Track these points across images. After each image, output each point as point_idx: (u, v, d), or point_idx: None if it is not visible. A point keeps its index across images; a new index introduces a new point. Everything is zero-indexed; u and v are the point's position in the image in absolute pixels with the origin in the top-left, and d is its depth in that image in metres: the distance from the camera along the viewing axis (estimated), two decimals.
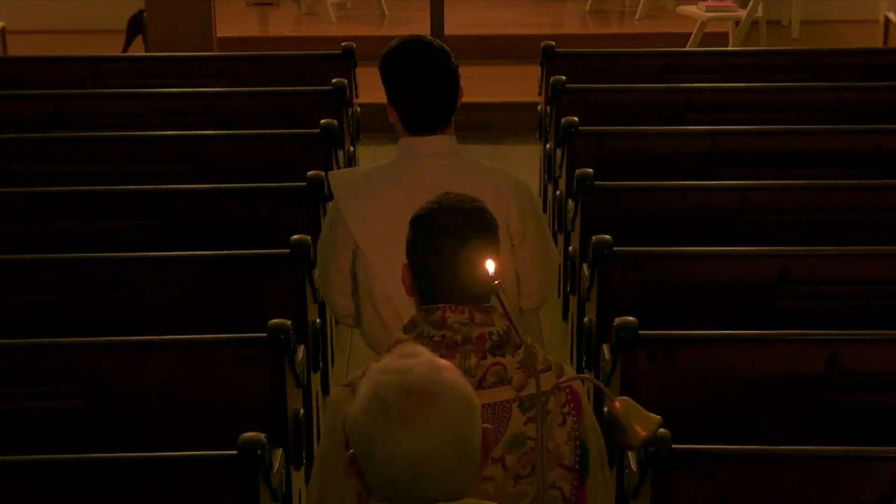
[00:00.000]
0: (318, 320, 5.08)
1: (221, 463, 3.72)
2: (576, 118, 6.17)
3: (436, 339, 2.90)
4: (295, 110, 6.67)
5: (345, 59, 7.36)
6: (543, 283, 4.05)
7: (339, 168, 6.27)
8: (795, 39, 10.86)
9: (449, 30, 8.77)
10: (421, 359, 2.31)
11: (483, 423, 2.35)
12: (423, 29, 8.14)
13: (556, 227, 6.40)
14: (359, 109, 7.47)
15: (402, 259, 3.06)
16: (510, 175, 4.08)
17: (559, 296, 6.38)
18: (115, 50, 9.62)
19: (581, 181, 5.53)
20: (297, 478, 4.43)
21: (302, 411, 4.46)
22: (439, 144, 3.92)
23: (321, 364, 5.13)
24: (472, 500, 2.29)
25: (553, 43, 7.34)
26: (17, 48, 9.95)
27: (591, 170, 5.56)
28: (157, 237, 5.40)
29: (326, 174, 5.02)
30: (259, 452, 3.67)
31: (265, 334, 4.29)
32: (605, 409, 2.88)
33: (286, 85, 7.00)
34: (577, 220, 5.58)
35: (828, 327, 4.59)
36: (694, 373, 4.33)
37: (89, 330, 4.62)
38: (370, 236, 3.83)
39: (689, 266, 4.97)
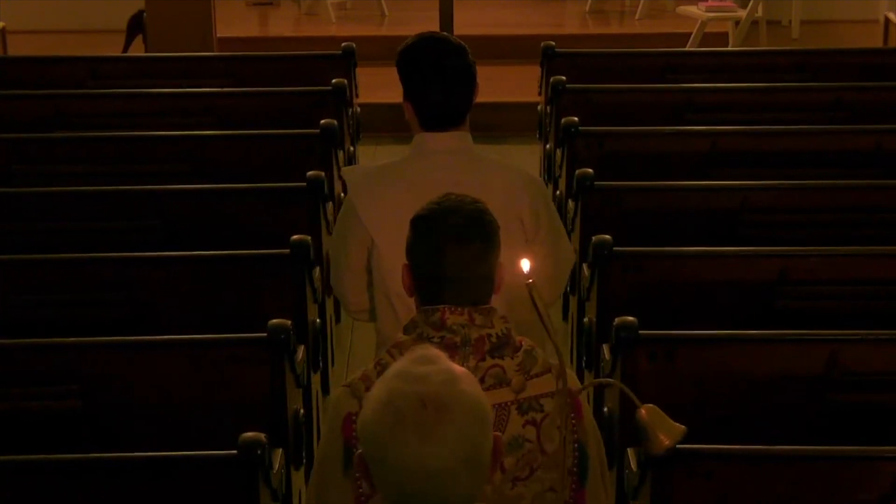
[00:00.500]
0: (318, 320, 5.08)
1: (221, 463, 3.71)
2: (576, 118, 6.17)
3: (435, 340, 2.90)
4: (295, 110, 6.67)
5: (345, 59, 7.36)
6: (556, 279, 4.04)
7: (338, 168, 6.27)
8: (795, 39, 10.86)
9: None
10: (438, 366, 2.29)
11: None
12: (425, 29, 8.13)
13: None
14: (359, 109, 7.48)
15: None
16: (523, 171, 4.09)
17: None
18: (115, 50, 9.62)
19: (581, 181, 5.53)
20: (297, 478, 4.43)
21: (302, 411, 4.46)
22: (453, 141, 3.92)
23: (321, 364, 5.13)
24: None
25: (553, 43, 7.34)
26: (17, 48, 9.95)
27: (591, 170, 5.56)
28: (157, 237, 5.40)
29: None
30: (259, 452, 3.67)
31: (265, 334, 4.29)
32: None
33: (286, 85, 7.00)
34: (577, 220, 5.58)
35: (828, 327, 4.59)
36: (694, 373, 4.33)
37: (89, 330, 4.62)
38: (384, 232, 3.83)
39: (689, 266, 4.97)
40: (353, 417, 2.84)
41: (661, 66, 7.32)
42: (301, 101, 6.74)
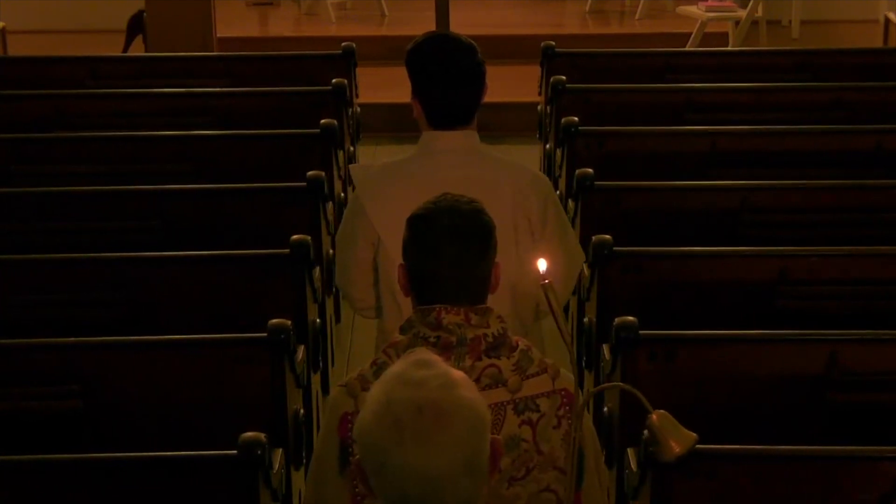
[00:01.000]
0: (318, 320, 5.08)
1: (221, 463, 3.71)
2: (576, 118, 6.17)
3: (431, 340, 2.90)
4: (295, 110, 6.67)
5: (345, 59, 7.36)
6: (568, 276, 4.04)
7: (339, 168, 6.28)
8: (795, 39, 10.86)
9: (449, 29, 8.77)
10: (435, 371, 2.28)
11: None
12: (424, 29, 8.12)
13: None
14: (359, 109, 7.48)
15: None
16: (529, 169, 4.10)
17: None
18: (115, 50, 9.62)
19: (581, 181, 5.53)
20: (297, 478, 4.43)
21: (302, 411, 4.46)
22: (460, 140, 3.93)
23: (321, 364, 5.12)
24: None
25: (553, 43, 7.34)
26: (17, 48, 9.95)
27: (591, 170, 5.56)
28: (157, 237, 5.40)
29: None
30: (259, 452, 3.67)
31: (265, 334, 4.29)
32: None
33: (286, 85, 7.00)
34: (577, 220, 5.58)
35: (828, 327, 4.59)
36: (694, 373, 4.33)
37: (89, 330, 4.62)
38: (391, 229, 3.83)
39: (689, 266, 4.97)
40: (350, 417, 2.85)
41: (661, 66, 7.31)
42: (301, 101, 6.74)
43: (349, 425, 2.83)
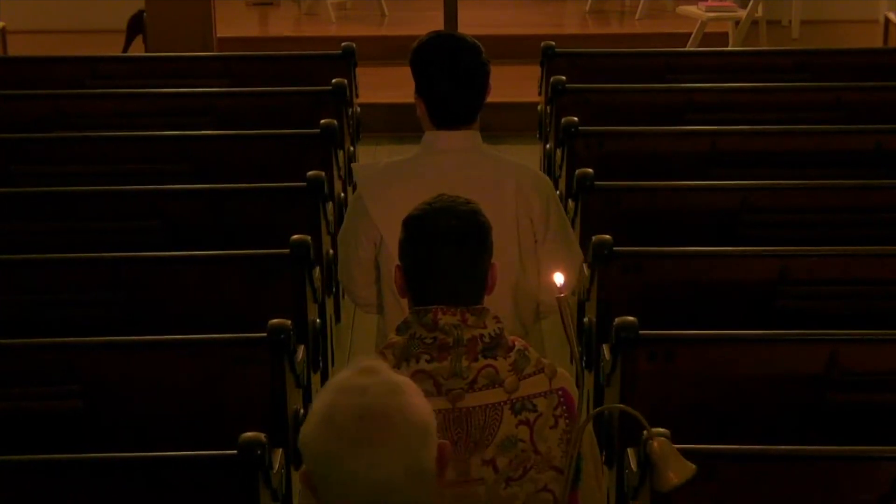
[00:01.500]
0: (318, 320, 5.08)
1: (221, 463, 3.71)
2: (576, 118, 6.16)
3: (427, 340, 2.90)
4: (295, 110, 6.67)
5: (345, 59, 7.36)
6: (570, 277, 4.04)
7: (338, 168, 6.28)
8: (795, 39, 10.86)
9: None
10: (378, 378, 2.26)
11: (448, 434, 2.34)
12: (425, 29, 8.13)
13: None
14: (359, 109, 7.47)
15: None
16: (531, 169, 4.10)
17: None
18: (115, 50, 9.62)
19: (581, 181, 5.52)
20: (297, 478, 4.42)
21: (302, 411, 4.46)
22: (462, 140, 3.93)
23: (321, 364, 5.12)
24: None
25: (553, 43, 7.34)
26: (17, 48, 9.95)
27: (591, 170, 5.56)
28: (157, 237, 5.40)
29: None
30: (259, 452, 3.67)
31: (265, 334, 4.29)
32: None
33: (286, 85, 7.00)
34: (577, 220, 5.58)
35: (828, 327, 4.59)
36: (694, 373, 4.33)
37: (89, 330, 4.62)
38: (392, 228, 3.83)
39: (689, 266, 4.97)
40: None
41: (661, 66, 7.31)
42: (301, 101, 6.74)
43: None
